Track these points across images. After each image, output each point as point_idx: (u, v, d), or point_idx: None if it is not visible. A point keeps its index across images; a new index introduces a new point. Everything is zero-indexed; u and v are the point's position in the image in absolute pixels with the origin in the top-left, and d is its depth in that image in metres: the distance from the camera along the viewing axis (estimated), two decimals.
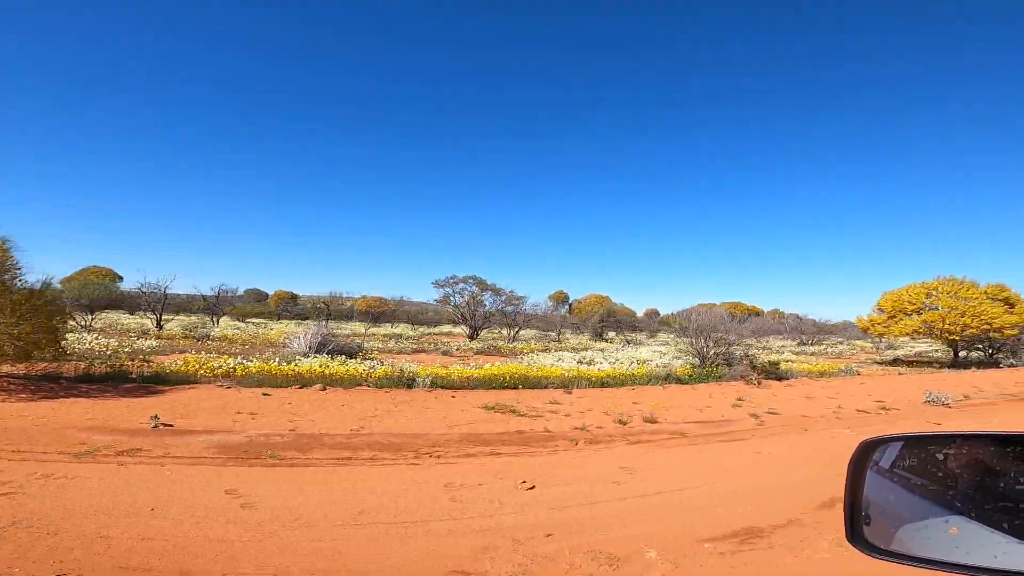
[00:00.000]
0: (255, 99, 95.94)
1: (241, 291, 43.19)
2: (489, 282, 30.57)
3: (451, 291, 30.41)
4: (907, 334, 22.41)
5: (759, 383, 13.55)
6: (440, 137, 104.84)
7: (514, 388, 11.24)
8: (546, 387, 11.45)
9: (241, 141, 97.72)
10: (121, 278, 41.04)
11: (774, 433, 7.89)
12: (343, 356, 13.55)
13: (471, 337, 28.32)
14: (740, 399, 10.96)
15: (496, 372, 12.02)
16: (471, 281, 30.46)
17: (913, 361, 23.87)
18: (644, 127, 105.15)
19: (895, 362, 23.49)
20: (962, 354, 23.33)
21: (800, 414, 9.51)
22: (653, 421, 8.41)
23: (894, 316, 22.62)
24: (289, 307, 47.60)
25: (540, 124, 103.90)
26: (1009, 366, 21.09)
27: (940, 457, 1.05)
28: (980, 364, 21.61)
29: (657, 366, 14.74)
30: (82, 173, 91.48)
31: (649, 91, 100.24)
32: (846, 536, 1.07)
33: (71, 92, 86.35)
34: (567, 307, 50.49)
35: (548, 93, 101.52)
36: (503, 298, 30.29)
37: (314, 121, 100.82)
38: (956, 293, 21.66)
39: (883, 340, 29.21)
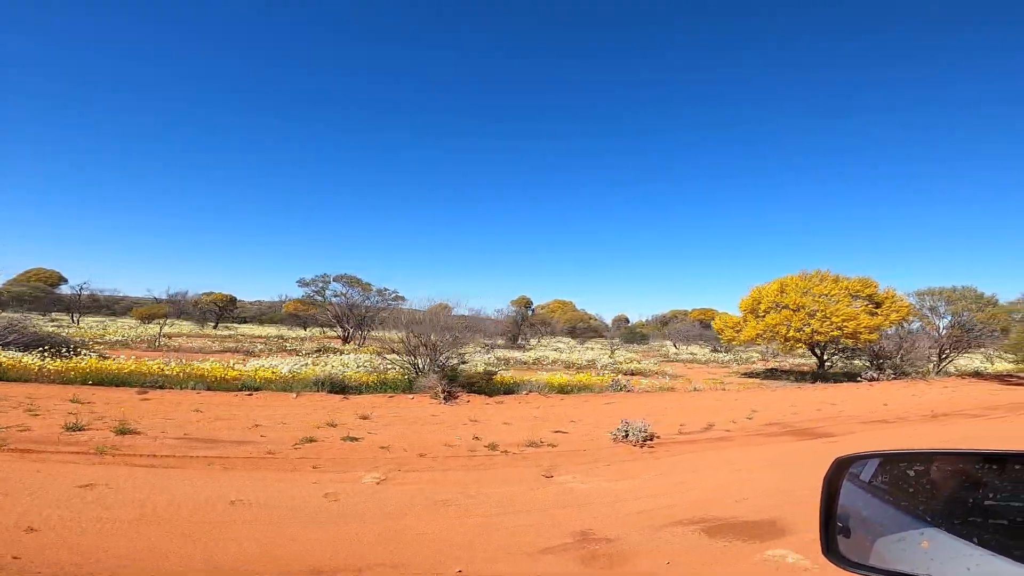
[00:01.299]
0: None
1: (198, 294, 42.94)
2: (367, 282, 28.46)
3: (312, 290, 28.62)
4: (751, 339, 18.85)
5: (452, 398, 11.06)
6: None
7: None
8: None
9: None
10: (65, 280, 42.18)
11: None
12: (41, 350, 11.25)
13: (345, 339, 26.33)
14: (363, 416, 8.85)
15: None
16: (344, 280, 28.41)
17: (788, 371, 20.90)
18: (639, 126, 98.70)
19: (755, 374, 21.01)
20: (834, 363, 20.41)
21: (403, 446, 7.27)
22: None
23: (747, 318, 19.26)
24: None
25: (533, 123, 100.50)
26: (870, 380, 17.51)
27: (912, 473, 1.10)
28: (846, 376, 18.52)
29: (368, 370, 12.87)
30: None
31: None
32: (822, 550, 1.11)
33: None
34: (531, 312, 50.21)
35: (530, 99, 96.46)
36: (385, 298, 28.23)
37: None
38: (809, 289, 18.18)
39: (731, 346, 25.53)
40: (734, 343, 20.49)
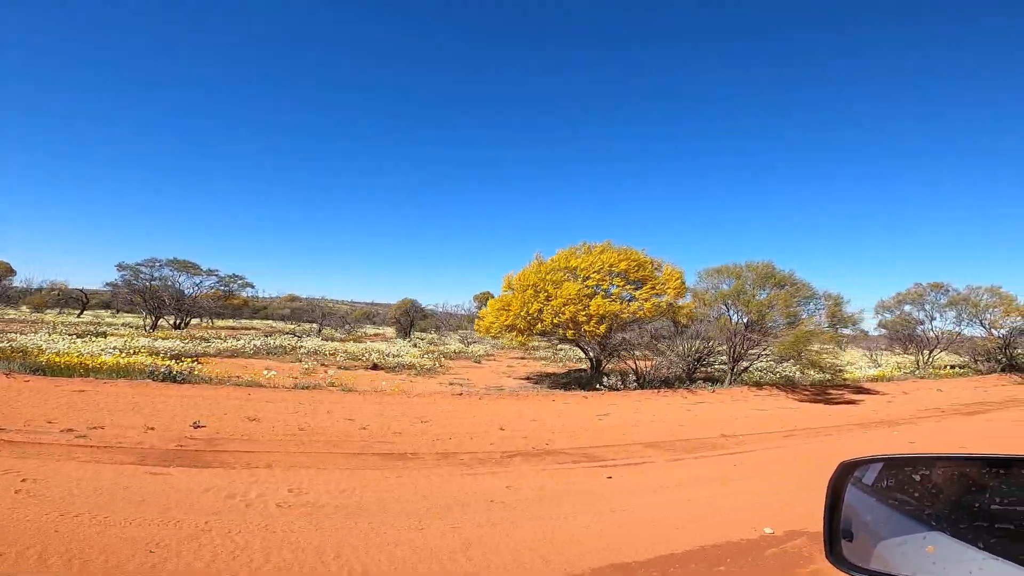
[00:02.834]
0: None
1: None
2: (210, 268, 26.83)
3: (129, 275, 25.79)
4: (490, 331, 13.81)
5: None
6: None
7: None
8: None
9: None
10: (14, 272, 40.73)
11: None
12: None
13: (176, 326, 25.07)
14: None
15: None
16: (173, 266, 26.16)
17: (566, 373, 15.68)
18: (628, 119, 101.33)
19: (530, 377, 16.68)
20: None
21: None
22: None
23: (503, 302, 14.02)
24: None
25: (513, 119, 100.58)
26: (611, 389, 12.49)
27: (917, 478, 1.09)
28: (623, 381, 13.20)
29: None
30: None
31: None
32: (825, 554, 1.11)
33: None
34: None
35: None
36: (225, 282, 27.16)
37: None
38: (566, 264, 13.46)
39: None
40: (488, 336, 15.31)
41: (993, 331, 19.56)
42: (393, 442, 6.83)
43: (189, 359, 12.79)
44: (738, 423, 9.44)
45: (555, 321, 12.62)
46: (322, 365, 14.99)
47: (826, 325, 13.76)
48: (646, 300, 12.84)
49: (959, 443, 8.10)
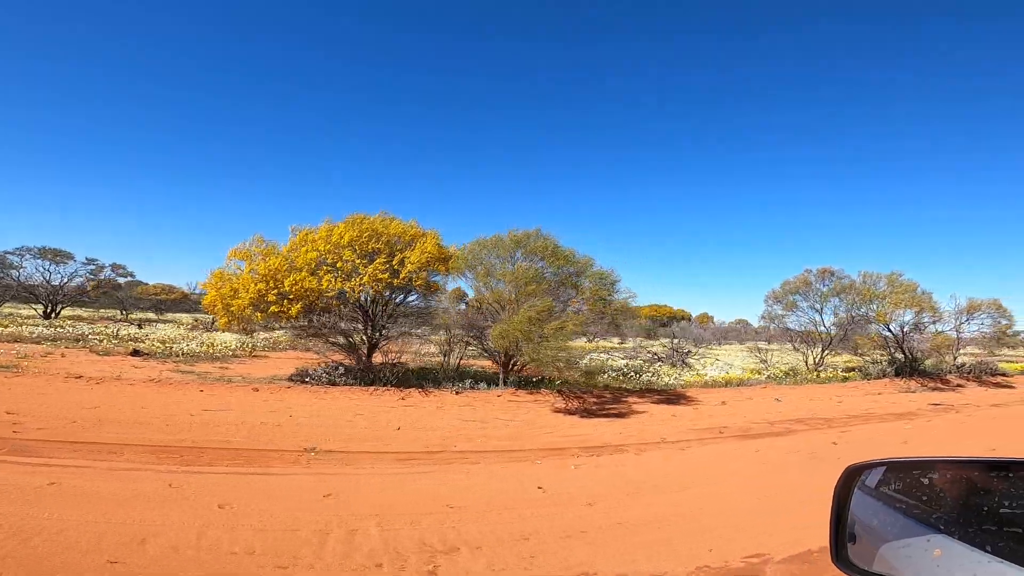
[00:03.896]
0: None
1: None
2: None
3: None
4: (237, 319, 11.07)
5: None
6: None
7: None
8: None
9: None
10: None
11: None
12: None
13: (45, 315, 23.34)
14: None
15: None
16: (47, 255, 24.96)
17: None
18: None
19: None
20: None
21: None
22: None
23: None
24: None
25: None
26: (329, 384, 10.56)
27: (925, 481, 1.08)
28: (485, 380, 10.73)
29: None
30: None
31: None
32: (831, 558, 1.11)
33: None
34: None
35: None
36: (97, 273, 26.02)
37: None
38: (303, 242, 11.10)
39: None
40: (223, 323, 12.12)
41: (880, 327, 16.47)
42: None
43: None
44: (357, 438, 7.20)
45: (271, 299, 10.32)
46: (66, 349, 13.40)
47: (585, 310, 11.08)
48: (367, 275, 10.56)
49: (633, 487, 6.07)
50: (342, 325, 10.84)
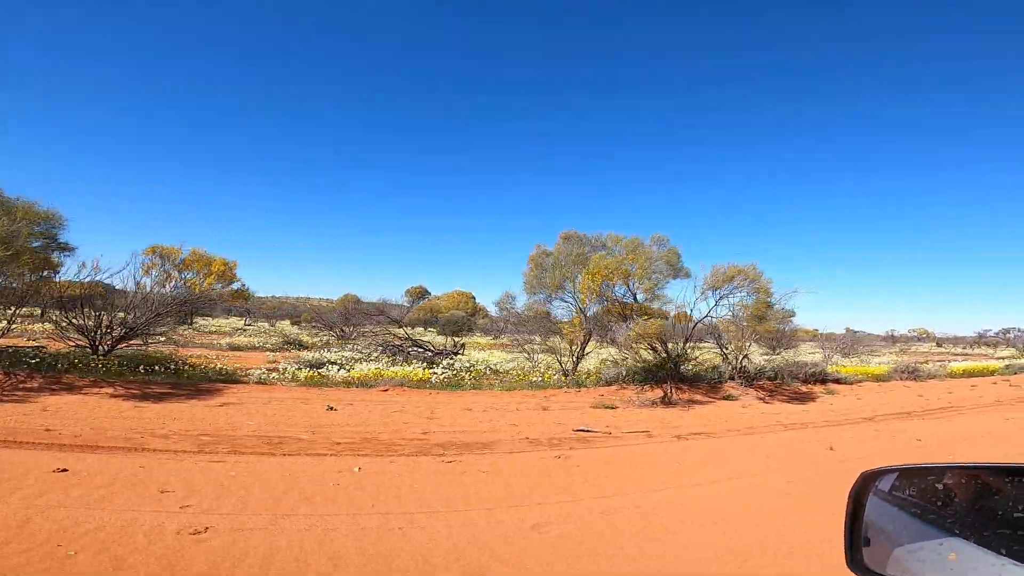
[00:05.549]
0: None
1: None
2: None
3: None
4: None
5: None
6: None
7: None
8: None
9: None
10: None
11: None
12: None
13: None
14: None
15: None
16: None
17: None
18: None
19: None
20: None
21: None
22: None
23: None
24: None
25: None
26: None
27: (940, 486, 1.09)
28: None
29: None
30: None
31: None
32: (846, 562, 1.11)
33: None
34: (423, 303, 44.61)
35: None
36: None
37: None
38: None
39: None
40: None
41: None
42: None
43: None
44: None
45: None
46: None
47: None
48: None
49: None
50: None
